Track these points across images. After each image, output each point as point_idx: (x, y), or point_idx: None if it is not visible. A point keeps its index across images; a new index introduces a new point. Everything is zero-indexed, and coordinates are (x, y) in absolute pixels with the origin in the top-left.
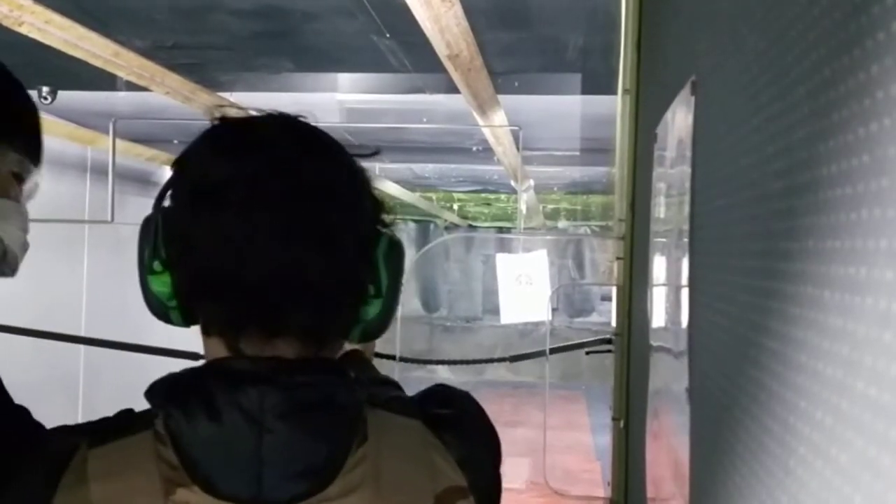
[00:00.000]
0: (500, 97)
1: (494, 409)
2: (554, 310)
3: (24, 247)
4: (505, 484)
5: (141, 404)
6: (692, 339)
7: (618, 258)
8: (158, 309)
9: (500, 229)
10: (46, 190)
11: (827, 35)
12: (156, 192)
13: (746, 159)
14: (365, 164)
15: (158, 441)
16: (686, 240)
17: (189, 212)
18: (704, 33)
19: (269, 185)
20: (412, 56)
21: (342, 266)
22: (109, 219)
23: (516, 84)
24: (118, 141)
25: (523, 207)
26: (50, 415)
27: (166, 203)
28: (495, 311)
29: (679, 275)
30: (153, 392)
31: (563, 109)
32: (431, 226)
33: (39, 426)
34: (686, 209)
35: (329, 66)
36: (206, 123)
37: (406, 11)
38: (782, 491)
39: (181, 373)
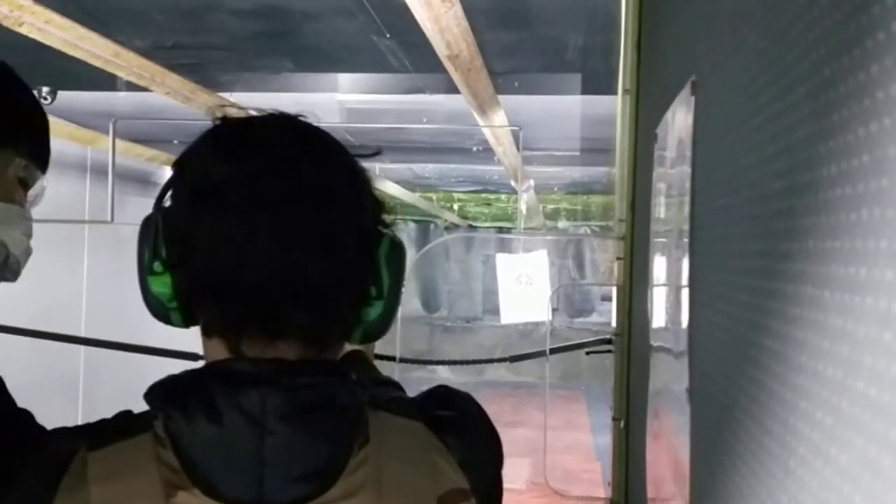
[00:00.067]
0: (501, 97)
1: (495, 410)
2: (554, 310)
3: (28, 252)
4: (505, 484)
5: (142, 405)
6: (692, 340)
7: (618, 258)
8: (158, 310)
9: (501, 229)
10: (46, 190)
11: (827, 35)
12: (156, 193)
13: (746, 159)
14: (365, 164)
15: (158, 444)
16: (686, 240)
17: (189, 212)
18: (704, 33)
19: (269, 185)
20: (412, 56)
21: (343, 267)
22: (109, 219)
23: (516, 84)
24: (118, 141)
25: (523, 207)
26: (50, 415)
27: (166, 203)
28: (495, 312)
29: (679, 275)
30: (152, 394)
31: (564, 109)
32: (432, 226)
33: (42, 430)
34: (686, 209)
35: (329, 67)
36: (206, 123)
37: (406, 11)
38: (782, 491)
39: (180, 375)
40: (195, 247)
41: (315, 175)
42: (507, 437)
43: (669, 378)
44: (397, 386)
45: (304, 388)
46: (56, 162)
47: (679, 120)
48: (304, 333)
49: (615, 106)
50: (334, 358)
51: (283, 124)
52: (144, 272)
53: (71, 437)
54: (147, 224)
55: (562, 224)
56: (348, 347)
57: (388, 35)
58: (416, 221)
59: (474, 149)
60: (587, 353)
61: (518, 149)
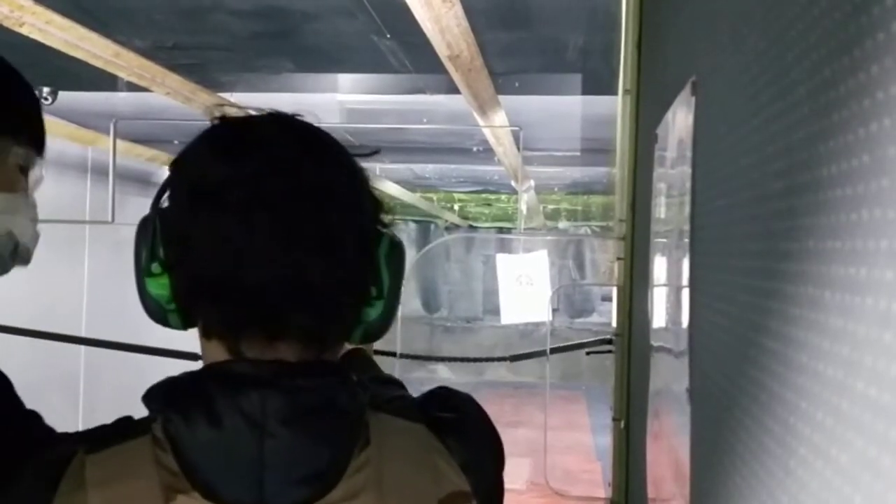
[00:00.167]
0: (501, 97)
1: (495, 410)
2: (554, 310)
3: (36, 237)
4: (506, 484)
5: (142, 405)
6: (693, 340)
7: (618, 258)
8: (156, 312)
9: (501, 230)
10: (47, 190)
11: (827, 35)
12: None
13: (746, 159)
14: (365, 164)
15: (157, 446)
16: (686, 240)
17: (187, 213)
18: (704, 33)
19: (268, 185)
20: (413, 56)
21: (343, 267)
22: (110, 219)
23: (517, 84)
24: (119, 141)
25: (524, 208)
26: (50, 415)
27: (164, 204)
28: (496, 312)
29: (679, 275)
30: (151, 396)
31: (564, 110)
32: (432, 226)
33: (51, 431)
34: (686, 209)
35: (329, 67)
36: (206, 124)
37: (406, 12)
38: (783, 491)
39: (179, 377)
40: (193, 247)
41: (314, 175)
42: (508, 437)
43: (670, 378)
44: (399, 384)
45: (305, 391)
46: (57, 162)
47: (679, 120)
48: (304, 334)
49: (615, 106)
50: (334, 358)
51: (282, 124)
52: (142, 274)
53: (68, 440)
54: (144, 225)
55: (562, 224)
56: (348, 346)
57: (388, 35)
58: (416, 222)
59: (475, 149)
60: (587, 354)
61: (518, 149)
